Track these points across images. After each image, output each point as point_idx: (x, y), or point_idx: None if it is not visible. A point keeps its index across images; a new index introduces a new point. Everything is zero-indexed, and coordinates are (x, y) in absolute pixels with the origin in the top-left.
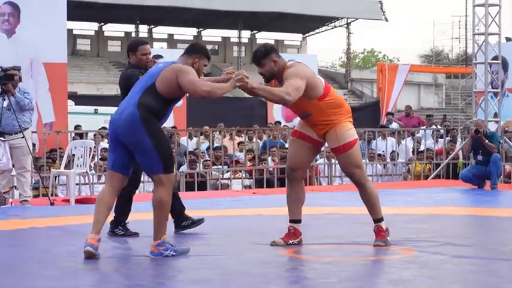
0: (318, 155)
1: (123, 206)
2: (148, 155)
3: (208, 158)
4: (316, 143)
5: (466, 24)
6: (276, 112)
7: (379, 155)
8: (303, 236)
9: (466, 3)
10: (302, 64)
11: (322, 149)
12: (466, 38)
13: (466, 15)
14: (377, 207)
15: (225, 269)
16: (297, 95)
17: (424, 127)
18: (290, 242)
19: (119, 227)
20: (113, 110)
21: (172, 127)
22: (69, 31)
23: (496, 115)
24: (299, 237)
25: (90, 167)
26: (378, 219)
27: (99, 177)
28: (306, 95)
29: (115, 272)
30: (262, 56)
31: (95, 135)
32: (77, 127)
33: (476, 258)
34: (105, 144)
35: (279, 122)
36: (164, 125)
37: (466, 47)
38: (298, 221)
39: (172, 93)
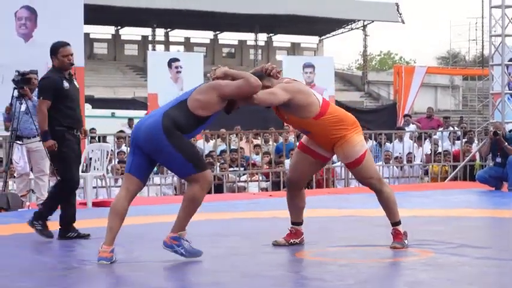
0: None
1: (57, 203)
2: (174, 160)
3: (224, 161)
4: (322, 158)
5: (482, 26)
6: None
7: (395, 157)
8: (319, 238)
9: (483, 4)
10: (297, 83)
11: None
12: (482, 40)
13: (483, 17)
14: (394, 211)
15: (242, 272)
16: (267, 97)
17: (441, 129)
18: (292, 241)
19: (39, 221)
20: (129, 113)
21: None
22: (86, 35)
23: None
24: (300, 237)
25: (107, 170)
26: (395, 223)
27: (116, 180)
28: (296, 113)
29: (131, 277)
30: None
31: (118, 138)
32: (92, 130)
33: (494, 259)
34: (123, 147)
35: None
36: None
37: (482, 49)
38: (300, 224)
39: (204, 110)
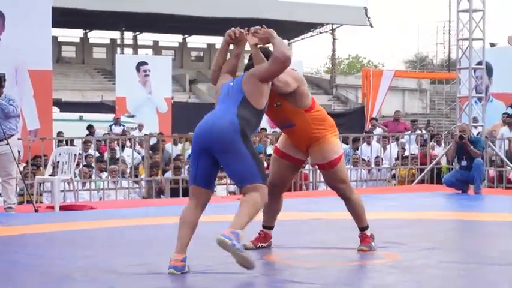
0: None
1: None
2: (247, 165)
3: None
4: (298, 162)
5: (450, 30)
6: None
7: (363, 160)
8: (288, 241)
9: (450, 9)
10: (298, 72)
11: None
12: (450, 44)
13: (450, 21)
14: (362, 216)
15: (211, 275)
16: (284, 89)
17: (409, 132)
18: (260, 244)
19: None
20: (97, 117)
21: (158, 133)
22: (54, 38)
23: (478, 120)
24: (269, 240)
25: (75, 173)
26: (363, 228)
27: (83, 184)
28: (295, 101)
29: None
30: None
31: (85, 141)
32: (59, 134)
33: (461, 262)
34: (91, 151)
35: (265, 129)
36: (150, 131)
37: (450, 53)
38: (271, 228)
39: (262, 102)
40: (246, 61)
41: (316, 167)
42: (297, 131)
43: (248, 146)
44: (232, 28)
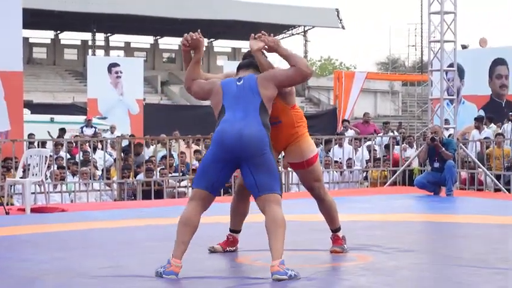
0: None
1: None
2: (272, 174)
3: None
4: None
5: (421, 32)
6: None
7: (335, 161)
8: (260, 243)
9: (422, 11)
10: None
11: (279, 156)
12: (421, 46)
13: (422, 23)
14: (335, 218)
15: (186, 277)
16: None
17: (381, 134)
18: (227, 249)
19: None
20: (68, 118)
21: (130, 135)
22: (25, 39)
23: (450, 122)
24: (236, 245)
25: (46, 175)
26: (335, 229)
27: (55, 186)
28: (285, 98)
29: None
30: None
31: (56, 144)
32: (30, 136)
33: (433, 264)
34: (62, 153)
35: None
36: (122, 132)
37: (421, 55)
38: (238, 232)
39: (271, 107)
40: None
41: (289, 168)
42: (282, 128)
43: (272, 154)
44: (185, 34)
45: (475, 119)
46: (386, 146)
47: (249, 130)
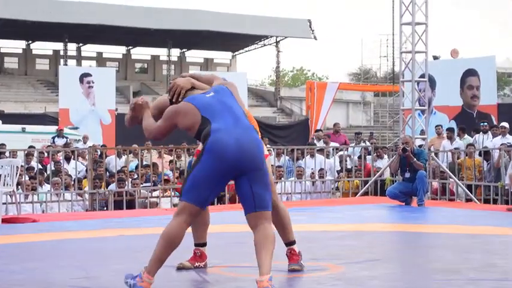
0: None
1: None
2: (268, 189)
3: (136, 177)
4: None
5: (393, 43)
6: None
7: (312, 173)
8: (226, 254)
9: (393, 21)
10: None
11: None
12: (393, 56)
13: (393, 34)
14: (289, 229)
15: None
16: None
17: (353, 144)
18: (196, 264)
19: None
20: (40, 128)
21: (101, 145)
22: None
23: (423, 132)
24: (205, 260)
25: (17, 186)
26: (290, 242)
27: (26, 196)
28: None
29: None
30: None
31: (28, 154)
32: (1, 146)
33: (404, 274)
34: (33, 163)
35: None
36: (93, 143)
37: (393, 65)
38: (204, 245)
39: None
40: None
41: None
42: None
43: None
44: (130, 104)
45: (447, 129)
46: (360, 157)
47: (248, 138)
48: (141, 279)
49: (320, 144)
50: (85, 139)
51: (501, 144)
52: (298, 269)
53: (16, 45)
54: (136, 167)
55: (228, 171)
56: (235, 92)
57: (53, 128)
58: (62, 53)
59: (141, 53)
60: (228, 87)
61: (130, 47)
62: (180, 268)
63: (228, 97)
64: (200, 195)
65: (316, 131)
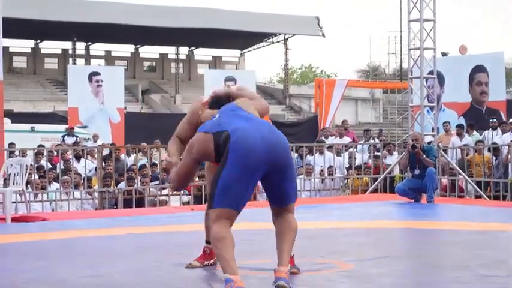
0: None
1: None
2: (294, 183)
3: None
4: None
5: (401, 40)
6: None
7: (321, 170)
8: (236, 251)
9: (401, 18)
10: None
11: None
12: (401, 53)
13: (402, 31)
14: None
15: (166, 286)
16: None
17: (362, 142)
18: (206, 263)
19: None
20: (49, 127)
21: (110, 144)
22: (5, 48)
23: (433, 129)
24: (214, 258)
25: (27, 185)
26: None
27: (35, 195)
28: None
29: None
30: None
31: (37, 153)
32: (11, 145)
33: (413, 271)
34: (43, 162)
35: None
36: (103, 141)
37: (401, 62)
38: None
39: None
40: None
41: None
42: None
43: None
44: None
45: (457, 126)
46: (376, 156)
47: (277, 133)
48: (233, 281)
49: (328, 141)
50: (95, 137)
51: (510, 141)
52: (296, 272)
53: (25, 45)
54: (146, 165)
55: (257, 167)
56: (245, 106)
57: (62, 127)
58: (70, 52)
59: (150, 51)
60: (238, 104)
61: (138, 46)
62: (189, 268)
63: (234, 110)
64: (235, 197)
65: (323, 128)
